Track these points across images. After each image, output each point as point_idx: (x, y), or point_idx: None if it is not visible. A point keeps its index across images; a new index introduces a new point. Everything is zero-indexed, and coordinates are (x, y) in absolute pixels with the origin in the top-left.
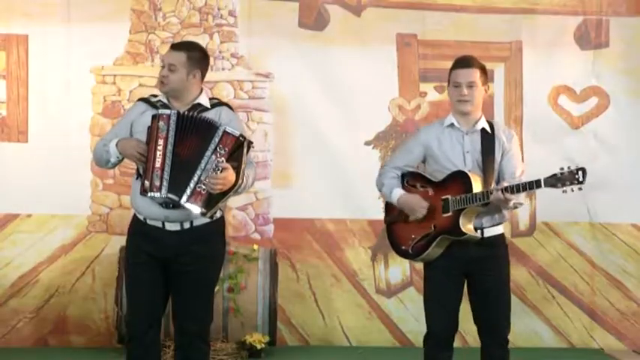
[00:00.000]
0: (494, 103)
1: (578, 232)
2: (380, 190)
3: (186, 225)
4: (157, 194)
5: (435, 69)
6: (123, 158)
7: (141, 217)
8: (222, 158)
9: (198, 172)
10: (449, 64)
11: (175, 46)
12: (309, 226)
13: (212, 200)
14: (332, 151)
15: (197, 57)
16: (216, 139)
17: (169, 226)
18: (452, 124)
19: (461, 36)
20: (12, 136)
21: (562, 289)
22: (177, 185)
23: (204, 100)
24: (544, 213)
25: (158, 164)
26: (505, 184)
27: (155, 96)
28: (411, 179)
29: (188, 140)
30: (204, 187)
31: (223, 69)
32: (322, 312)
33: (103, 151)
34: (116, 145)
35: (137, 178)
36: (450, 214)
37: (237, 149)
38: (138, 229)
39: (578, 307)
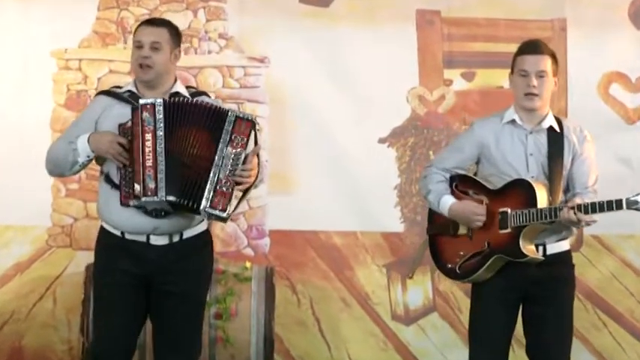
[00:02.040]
0: None
1: (635, 248)
2: (425, 197)
3: (176, 238)
4: (154, 198)
5: (462, 52)
6: (92, 159)
7: (116, 232)
8: (242, 149)
9: (215, 170)
10: (478, 46)
11: (153, 22)
12: (312, 240)
13: (232, 200)
14: (339, 150)
15: (177, 33)
16: (229, 128)
17: (156, 240)
18: (513, 121)
19: (493, 12)
20: None
21: (615, 316)
22: (178, 186)
23: (181, 89)
24: (593, 224)
25: (149, 163)
26: (577, 200)
27: (119, 87)
28: (461, 184)
29: (184, 132)
30: (227, 186)
31: (210, 52)
32: (328, 342)
33: (69, 149)
34: (87, 140)
35: (112, 187)
36: (508, 230)
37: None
38: (111, 242)
39: (633, 337)
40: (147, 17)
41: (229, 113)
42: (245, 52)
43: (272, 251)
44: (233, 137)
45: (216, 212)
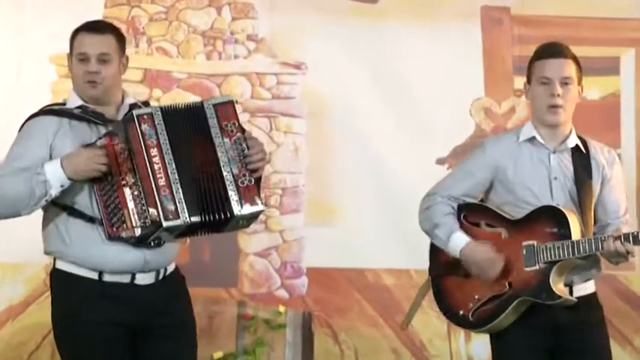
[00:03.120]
0: (620, 108)
1: None
2: (429, 232)
3: (162, 273)
4: (176, 222)
5: None
6: (65, 188)
7: (91, 274)
8: (238, 133)
9: (226, 169)
10: None
11: (97, 29)
12: (357, 280)
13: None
14: (389, 174)
15: (122, 37)
16: (213, 119)
17: (142, 279)
18: (532, 138)
19: (573, 10)
20: None
21: None
22: (198, 202)
23: (133, 100)
24: None
25: (162, 182)
26: (625, 229)
27: (62, 104)
28: (470, 214)
29: (182, 140)
30: (246, 178)
31: (236, 57)
32: None
33: (34, 182)
34: (61, 166)
35: (86, 220)
36: (536, 267)
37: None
38: (82, 288)
39: None
40: (163, 16)
41: (205, 105)
42: (278, 56)
43: (310, 293)
44: (224, 126)
45: (253, 209)
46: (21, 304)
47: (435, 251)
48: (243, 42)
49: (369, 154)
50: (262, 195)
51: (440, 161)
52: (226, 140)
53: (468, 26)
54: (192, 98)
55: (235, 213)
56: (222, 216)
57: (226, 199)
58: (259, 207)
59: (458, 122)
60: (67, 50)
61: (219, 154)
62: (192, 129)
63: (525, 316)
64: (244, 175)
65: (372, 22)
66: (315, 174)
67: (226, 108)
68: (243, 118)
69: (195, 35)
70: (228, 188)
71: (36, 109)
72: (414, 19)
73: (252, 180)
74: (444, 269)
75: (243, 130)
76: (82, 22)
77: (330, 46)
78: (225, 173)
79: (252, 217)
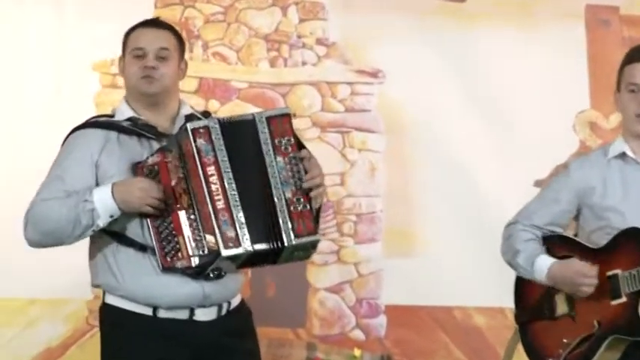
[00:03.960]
0: None
1: None
2: (511, 262)
3: (224, 308)
4: (237, 250)
5: None
6: (115, 219)
7: (144, 310)
8: (293, 151)
9: (277, 193)
10: None
11: (157, 23)
12: (443, 319)
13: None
14: (480, 197)
15: (183, 40)
16: (266, 134)
17: (203, 315)
18: (623, 154)
19: None
20: None
21: None
22: (258, 228)
23: (190, 109)
24: None
25: (221, 204)
26: None
27: (105, 115)
28: (556, 247)
29: (241, 156)
30: (300, 202)
31: (304, 64)
32: None
33: (81, 210)
34: (111, 194)
35: (137, 249)
36: (622, 300)
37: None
38: (135, 325)
39: None
40: (221, 17)
41: (256, 117)
42: (352, 63)
43: (389, 334)
44: (276, 143)
45: (307, 239)
46: (60, 345)
47: (520, 296)
48: (312, 46)
49: (456, 175)
50: (332, 222)
51: (538, 183)
52: (279, 159)
53: (571, 28)
54: (253, 110)
55: (286, 242)
56: (272, 245)
57: (277, 227)
58: (315, 237)
59: (559, 138)
60: (112, 56)
61: (269, 175)
62: (244, 143)
63: (627, 357)
64: (298, 200)
65: (461, 24)
66: (395, 198)
67: (281, 122)
68: (313, 133)
69: (258, 39)
70: (278, 215)
71: (77, 124)
72: (508, 21)
73: (308, 205)
74: (530, 314)
75: (300, 148)
76: (129, 24)
77: (411, 51)
78: (275, 198)
79: (309, 248)
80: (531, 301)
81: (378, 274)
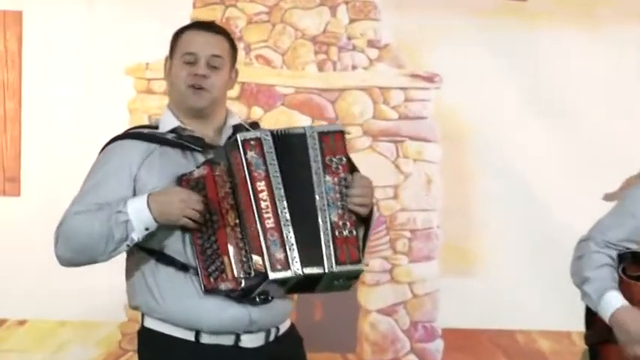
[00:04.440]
0: None
1: None
2: (579, 287)
3: (272, 334)
4: (286, 273)
5: None
6: (150, 232)
7: (186, 335)
8: (344, 172)
9: (323, 214)
10: None
11: (210, 27)
12: (505, 344)
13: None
14: (544, 212)
15: (236, 47)
16: (316, 151)
17: (249, 341)
18: None
19: None
20: None
21: None
22: (311, 249)
23: (238, 119)
24: None
25: (270, 223)
26: None
27: (153, 126)
28: (629, 265)
29: (290, 173)
30: (346, 227)
31: (355, 67)
32: None
33: (114, 222)
34: (147, 205)
35: (178, 269)
36: None
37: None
38: (176, 350)
39: None
40: (265, 18)
41: (307, 132)
42: (406, 66)
43: (446, 359)
44: (327, 161)
45: (349, 268)
46: None
47: (591, 315)
48: (363, 49)
49: (518, 187)
50: (385, 239)
51: (609, 197)
52: (328, 179)
53: (633, 29)
54: (299, 118)
55: (326, 269)
56: (319, 268)
57: (318, 250)
58: (358, 266)
59: (629, 146)
60: (147, 59)
61: (316, 195)
62: (296, 160)
63: None
64: (344, 225)
65: (522, 24)
66: (452, 212)
67: (334, 139)
68: (364, 143)
69: (304, 41)
70: (321, 238)
71: (109, 132)
72: (577, 21)
73: (354, 232)
74: (602, 336)
75: (352, 170)
76: (165, 25)
77: (469, 54)
78: (320, 220)
79: (351, 278)
80: (604, 322)
81: (434, 294)
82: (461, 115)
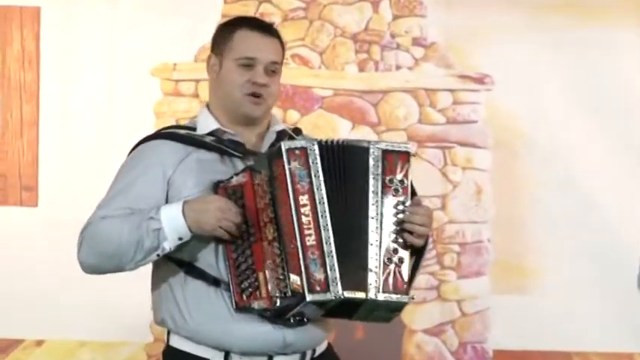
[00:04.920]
0: None
1: None
2: None
3: (308, 356)
4: (325, 296)
5: None
6: (184, 242)
7: (215, 356)
8: (404, 195)
9: (374, 237)
10: None
11: (267, 29)
12: None
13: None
14: (606, 225)
15: (284, 48)
16: (377, 168)
17: None
18: None
19: None
20: (10, 196)
21: None
22: (355, 272)
23: (282, 125)
24: None
25: (311, 240)
26: None
27: (190, 127)
28: None
29: (338, 187)
30: (397, 255)
31: (399, 68)
32: None
33: (145, 230)
34: (182, 213)
35: (210, 284)
36: None
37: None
38: None
39: None
40: (301, 14)
41: (371, 147)
42: (454, 66)
43: None
44: (387, 181)
45: (393, 298)
46: None
47: None
48: (408, 48)
49: (576, 199)
50: (431, 253)
51: None
52: (386, 200)
53: None
54: (338, 122)
55: (369, 295)
56: (361, 292)
57: (363, 274)
58: (404, 298)
59: None
60: (174, 59)
61: (369, 215)
62: (349, 174)
63: None
64: (395, 251)
65: (580, 22)
66: (505, 224)
67: (398, 158)
68: None
69: (344, 39)
70: (368, 261)
71: (133, 136)
72: (628, 17)
73: (405, 260)
74: None
75: (413, 194)
76: (194, 22)
77: (524, 53)
78: (370, 242)
79: (393, 310)
80: None
81: (484, 313)
82: (514, 119)
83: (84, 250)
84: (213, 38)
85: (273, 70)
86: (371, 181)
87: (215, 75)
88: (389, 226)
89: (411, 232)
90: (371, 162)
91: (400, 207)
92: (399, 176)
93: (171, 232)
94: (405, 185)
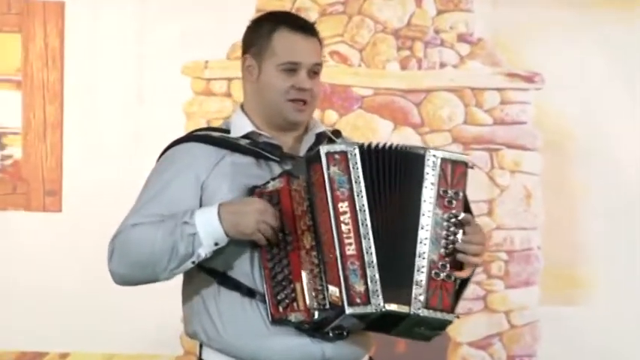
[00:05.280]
0: None
1: None
2: None
3: None
4: (366, 309)
5: None
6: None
7: None
8: (458, 209)
9: (422, 249)
10: None
11: (308, 29)
12: None
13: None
14: None
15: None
16: (433, 177)
17: None
18: None
19: None
20: (33, 200)
21: None
22: (398, 284)
23: (322, 126)
24: None
25: (351, 250)
26: None
27: (223, 130)
28: None
29: (383, 194)
30: (445, 270)
31: (443, 65)
32: None
33: (179, 235)
34: (218, 216)
35: (244, 294)
36: None
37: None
38: None
39: None
40: (340, 9)
41: (427, 154)
42: (503, 64)
43: None
44: (441, 192)
45: (438, 316)
46: None
47: None
48: (453, 44)
49: (632, 203)
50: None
51: None
52: (438, 211)
53: None
54: (379, 123)
55: (411, 310)
56: (403, 306)
57: (407, 287)
58: (448, 316)
59: None
60: (206, 57)
61: (420, 225)
62: (397, 181)
63: None
64: (444, 267)
65: (635, 18)
66: (555, 231)
67: (455, 168)
68: (454, 150)
69: (385, 35)
70: (414, 274)
71: (162, 140)
72: None
73: (453, 277)
74: None
75: (467, 209)
76: (227, 17)
77: (576, 50)
78: (418, 254)
79: (436, 328)
80: None
81: (534, 325)
82: (565, 120)
83: (115, 259)
84: (246, 37)
85: (315, 71)
86: (424, 190)
87: (253, 78)
88: (439, 239)
89: (463, 252)
90: (426, 170)
91: (453, 220)
92: (455, 188)
93: (206, 237)
94: (460, 198)
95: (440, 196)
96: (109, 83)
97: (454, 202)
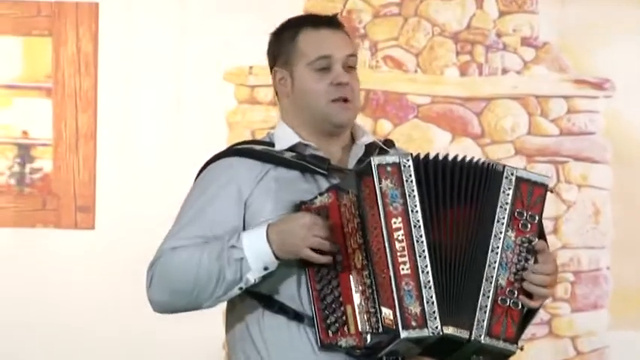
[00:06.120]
0: None
1: None
2: None
3: None
4: (422, 332)
5: None
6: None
7: None
8: (533, 233)
9: (489, 272)
10: None
11: (335, 23)
12: None
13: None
14: None
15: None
16: (508, 197)
17: None
18: None
19: None
20: (63, 217)
21: None
22: (459, 307)
23: (371, 137)
24: None
25: (406, 269)
26: None
27: (267, 143)
28: None
29: (442, 210)
30: (512, 297)
31: (506, 71)
32: None
33: (226, 261)
34: (266, 238)
35: (291, 318)
36: None
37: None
38: None
39: None
40: (395, 11)
41: (506, 171)
42: (570, 70)
43: None
44: (516, 213)
45: (500, 345)
46: None
47: None
48: (516, 48)
49: None
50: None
51: None
52: (511, 234)
53: None
54: (436, 133)
55: (473, 336)
56: (462, 331)
57: (469, 312)
58: (511, 347)
59: None
60: (250, 62)
61: (489, 246)
62: (463, 196)
63: None
64: (511, 293)
65: None
66: (626, 250)
67: (533, 190)
68: (516, 163)
69: (444, 39)
70: (478, 298)
71: (203, 152)
72: None
73: (520, 305)
74: None
75: (541, 235)
76: (272, 21)
77: None
78: (485, 278)
79: (496, 358)
80: None
81: (602, 351)
82: (637, 130)
83: (155, 286)
84: (270, 50)
85: (351, 65)
86: (498, 210)
87: (288, 90)
88: (509, 264)
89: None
90: (503, 188)
91: (526, 245)
92: (531, 211)
93: (255, 261)
94: (535, 222)
95: (514, 218)
96: (146, 90)
97: (529, 225)
